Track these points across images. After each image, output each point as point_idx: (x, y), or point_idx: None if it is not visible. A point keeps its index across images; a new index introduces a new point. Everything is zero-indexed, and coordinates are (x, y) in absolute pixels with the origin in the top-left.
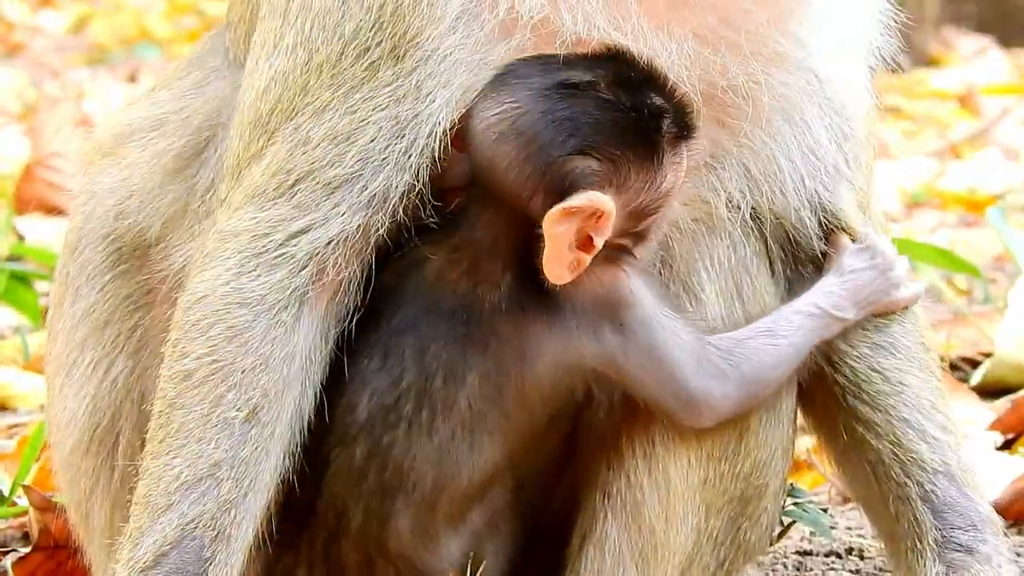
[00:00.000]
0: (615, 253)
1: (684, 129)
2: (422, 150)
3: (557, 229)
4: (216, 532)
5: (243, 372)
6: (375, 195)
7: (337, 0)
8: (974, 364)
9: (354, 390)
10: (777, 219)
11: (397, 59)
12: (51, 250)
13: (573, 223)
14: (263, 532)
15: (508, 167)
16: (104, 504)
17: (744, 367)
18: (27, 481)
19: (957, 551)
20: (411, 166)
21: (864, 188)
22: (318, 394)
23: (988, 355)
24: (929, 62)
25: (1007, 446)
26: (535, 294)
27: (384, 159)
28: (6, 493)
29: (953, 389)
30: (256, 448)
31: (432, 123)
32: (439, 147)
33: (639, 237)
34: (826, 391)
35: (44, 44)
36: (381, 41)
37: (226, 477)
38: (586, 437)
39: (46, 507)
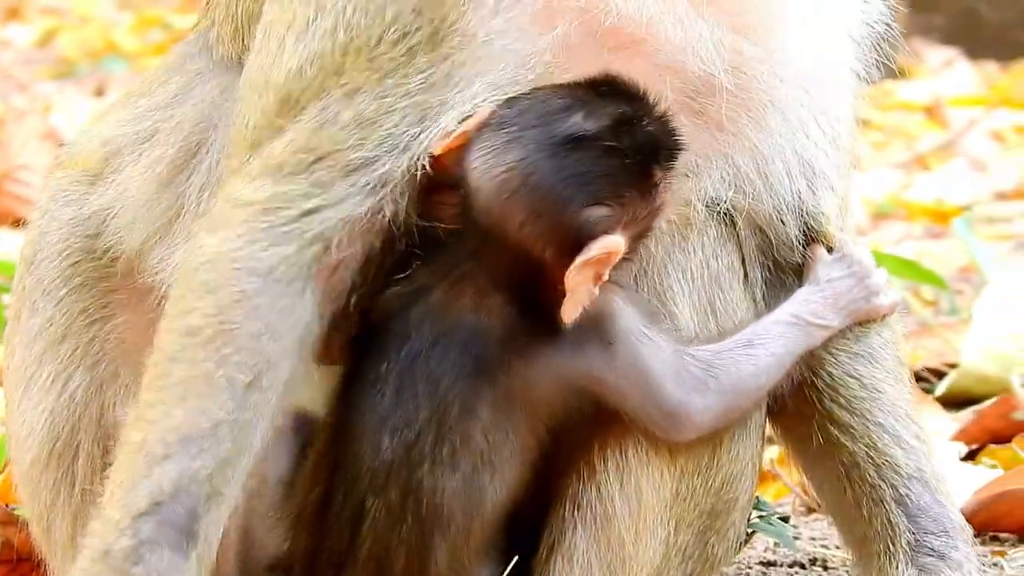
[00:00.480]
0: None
1: (675, 150)
2: (433, 137)
3: (578, 279)
4: (211, 490)
5: (250, 336)
6: (387, 180)
7: None
8: (939, 375)
9: (375, 429)
10: (758, 224)
11: (435, 45)
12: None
13: (591, 269)
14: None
15: (522, 223)
16: (65, 517)
17: (723, 379)
18: None
19: (930, 555)
20: (418, 150)
21: (843, 195)
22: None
23: (953, 366)
24: (897, 74)
25: (971, 457)
26: (534, 321)
27: (403, 146)
28: None
29: (918, 400)
30: (255, 413)
31: (452, 113)
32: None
33: (630, 253)
34: (800, 396)
35: (11, 57)
36: (421, 26)
37: (226, 438)
38: (559, 447)
39: (9, 520)
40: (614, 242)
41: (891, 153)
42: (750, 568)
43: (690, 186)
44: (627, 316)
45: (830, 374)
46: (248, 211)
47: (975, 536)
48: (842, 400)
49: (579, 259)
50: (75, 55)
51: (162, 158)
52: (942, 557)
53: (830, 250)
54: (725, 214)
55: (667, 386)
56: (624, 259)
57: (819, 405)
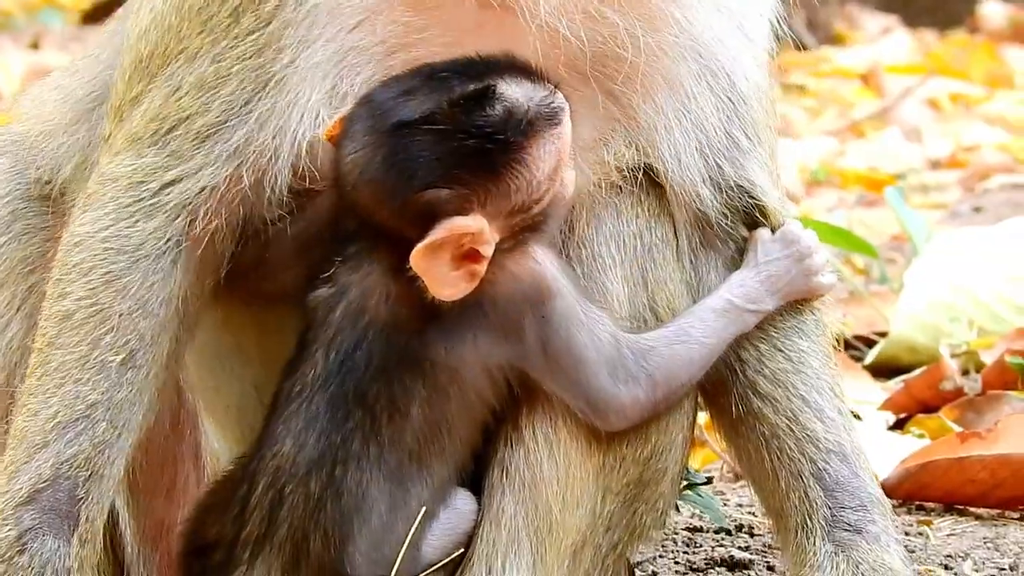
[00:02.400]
0: (520, 241)
1: (545, 120)
2: (287, 115)
3: (428, 264)
4: (90, 472)
5: (120, 316)
6: (238, 147)
7: None
8: (869, 343)
9: (301, 431)
10: (679, 195)
11: (257, 4)
12: None
13: (444, 252)
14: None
15: (369, 210)
16: None
17: (657, 374)
18: None
19: (846, 530)
20: (276, 128)
21: (769, 165)
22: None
23: (883, 335)
24: (834, 40)
25: (899, 426)
26: (455, 305)
27: (247, 112)
28: None
29: (847, 368)
30: (132, 390)
31: (299, 80)
32: (310, 131)
33: (540, 219)
34: (725, 365)
35: None
36: None
37: (102, 418)
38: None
39: None
40: (461, 223)
41: (826, 120)
42: (676, 534)
43: (605, 156)
44: (567, 294)
45: (757, 347)
46: (112, 188)
47: (901, 505)
48: (767, 371)
49: (418, 246)
50: (12, 7)
51: (80, 86)
52: (858, 531)
53: (773, 229)
54: (656, 185)
55: (599, 377)
56: (535, 223)
57: (743, 375)
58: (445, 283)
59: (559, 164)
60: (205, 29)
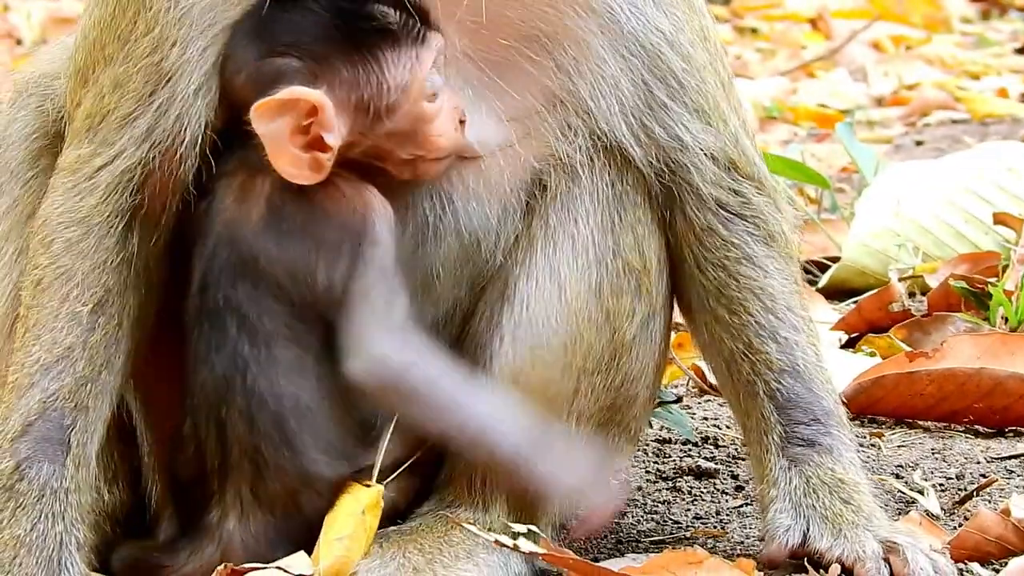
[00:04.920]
0: (368, 168)
1: (406, 35)
2: (185, 102)
3: (268, 126)
4: (75, 403)
5: (83, 274)
6: (145, 133)
7: None
8: (822, 268)
9: (205, 354)
10: (624, 155)
11: (148, 10)
12: None
13: (286, 120)
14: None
15: (228, 86)
16: None
17: (414, 370)
18: None
19: (799, 445)
20: (177, 115)
21: (705, 113)
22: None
23: (835, 260)
24: None
25: (851, 345)
26: (294, 209)
27: (151, 102)
28: None
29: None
30: (105, 334)
31: (189, 81)
32: (208, 116)
33: (393, 148)
34: (693, 292)
35: None
36: None
37: (80, 358)
38: (467, 337)
39: None
40: (303, 91)
41: (778, 61)
42: (647, 445)
43: (552, 122)
44: (387, 252)
45: (716, 276)
46: (61, 176)
47: (854, 419)
48: (724, 300)
49: (260, 100)
50: None
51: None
52: (811, 445)
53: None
54: (587, 145)
55: (371, 325)
56: (388, 147)
57: (706, 303)
58: (287, 158)
59: (414, 85)
60: (116, 37)
